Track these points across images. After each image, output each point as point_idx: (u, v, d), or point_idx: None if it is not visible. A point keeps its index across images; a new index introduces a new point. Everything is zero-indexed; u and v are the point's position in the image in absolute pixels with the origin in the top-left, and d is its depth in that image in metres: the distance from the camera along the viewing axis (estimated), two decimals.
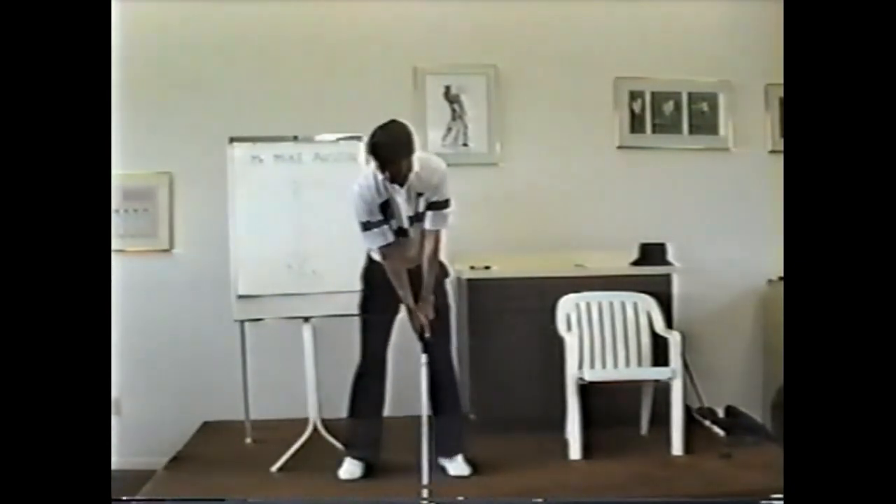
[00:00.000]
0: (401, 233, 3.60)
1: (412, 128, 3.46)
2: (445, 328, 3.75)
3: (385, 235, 3.55)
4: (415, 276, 3.64)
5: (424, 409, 3.54)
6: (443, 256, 3.73)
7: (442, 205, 3.56)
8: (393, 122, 3.42)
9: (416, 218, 3.58)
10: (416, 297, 3.62)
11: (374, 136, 3.38)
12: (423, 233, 3.61)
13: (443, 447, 3.71)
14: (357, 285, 3.79)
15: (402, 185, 3.47)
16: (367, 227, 3.53)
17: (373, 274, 3.71)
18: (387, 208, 3.54)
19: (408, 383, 3.70)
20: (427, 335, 3.59)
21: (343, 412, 3.85)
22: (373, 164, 3.45)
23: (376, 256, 3.66)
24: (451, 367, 3.75)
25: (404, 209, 3.56)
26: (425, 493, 3.37)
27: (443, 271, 3.74)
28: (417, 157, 3.47)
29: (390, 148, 3.36)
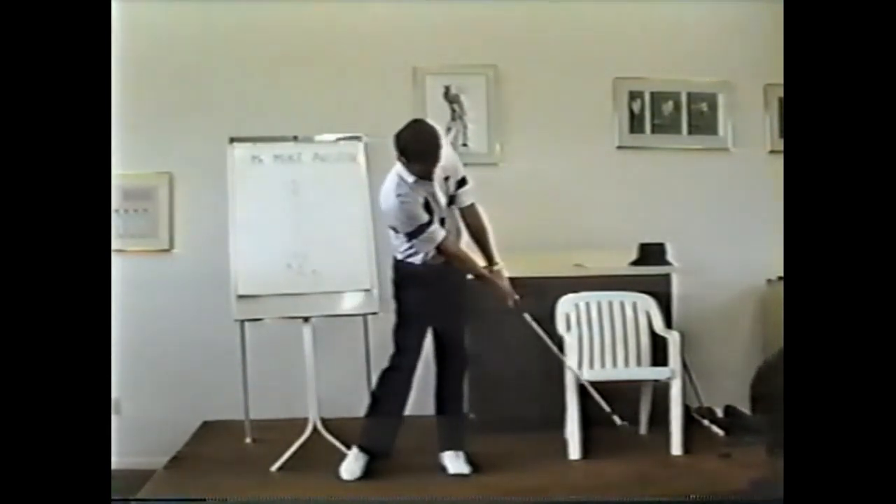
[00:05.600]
0: (441, 223, 3.63)
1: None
2: (465, 322, 3.81)
3: (439, 232, 3.56)
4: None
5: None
6: None
7: (465, 180, 3.65)
8: (420, 122, 3.51)
9: (450, 201, 3.63)
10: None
11: (406, 138, 3.40)
12: (462, 212, 3.67)
13: (448, 441, 3.78)
14: (356, 285, 3.79)
15: (430, 178, 3.52)
16: (418, 231, 3.52)
17: (406, 278, 3.71)
18: (427, 205, 3.55)
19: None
20: (516, 298, 3.67)
21: (343, 411, 3.85)
22: (398, 169, 3.48)
23: (417, 259, 3.65)
24: (464, 362, 3.80)
25: (441, 199, 3.60)
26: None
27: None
28: None
29: (427, 149, 3.40)
